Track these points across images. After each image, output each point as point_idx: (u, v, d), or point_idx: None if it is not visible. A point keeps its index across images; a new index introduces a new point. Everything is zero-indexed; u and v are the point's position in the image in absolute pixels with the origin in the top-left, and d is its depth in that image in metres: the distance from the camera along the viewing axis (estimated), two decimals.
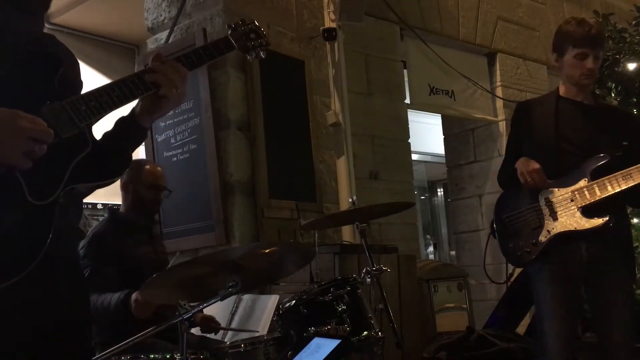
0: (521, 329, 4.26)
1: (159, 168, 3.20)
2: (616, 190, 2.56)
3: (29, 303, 1.44)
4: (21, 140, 1.28)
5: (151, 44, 4.57)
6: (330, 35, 4.25)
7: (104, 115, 1.49)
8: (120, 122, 1.62)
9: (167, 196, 3.16)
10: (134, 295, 2.64)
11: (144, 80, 1.55)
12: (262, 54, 1.87)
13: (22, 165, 1.30)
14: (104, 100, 1.47)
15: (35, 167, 1.33)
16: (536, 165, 2.62)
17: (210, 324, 2.97)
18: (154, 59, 1.60)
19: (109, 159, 1.52)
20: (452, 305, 4.29)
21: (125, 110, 1.61)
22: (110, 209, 3.14)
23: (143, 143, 4.26)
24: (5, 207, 1.33)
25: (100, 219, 5.44)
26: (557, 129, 2.71)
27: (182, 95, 1.61)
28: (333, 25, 4.28)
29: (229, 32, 1.81)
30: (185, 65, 1.65)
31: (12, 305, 1.39)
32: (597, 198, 2.58)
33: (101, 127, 1.67)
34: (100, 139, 1.58)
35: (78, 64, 1.64)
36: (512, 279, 3.32)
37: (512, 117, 3.01)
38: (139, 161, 3.26)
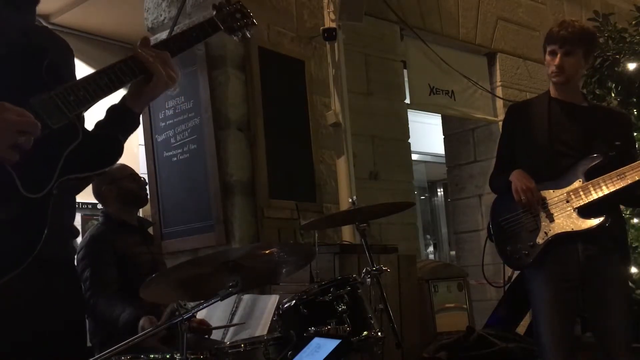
0: (521, 329, 4.26)
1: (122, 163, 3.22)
2: (611, 190, 2.56)
3: (25, 302, 1.43)
4: (7, 133, 1.28)
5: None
6: (330, 35, 4.25)
7: (93, 104, 1.49)
8: (112, 109, 1.61)
9: (146, 181, 3.18)
10: (142, 322, 2.64)
11: (131, 66, 1.54)
12: (248, 34, 1.87)
13: (10, 158, 1.29)
14: (92, 89, 1.46)
15: (27, 159, 1.32)
16: (531, 184, 2.63)
17: (201, 327, 2.97)
18: (139, 45, 1.60)
19: (101, 148, 1.51)
20: (452, 305, 4.28)
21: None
22: (104, 211, 3.13)
23: (143, 144, 4.28)
24: None
25: (100, 219, 5.45)
26: (550, 130, 2.72)
27: (170, 78, 1.60)
28: (333, 25, 4.28)
29: (214, 12, 1.81)
30: (173, 48, 1.64)
31: (7, 304, 1.39)
32: (593, 198, 2.58)
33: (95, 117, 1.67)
34: (93, 128, 1.58)
35: (72, 55, 1.64)
36: (512, 280, 3.33)
37: (503, 120, 3.02)
38: None
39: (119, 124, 1.59)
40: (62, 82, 1.47)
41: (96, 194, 3.09)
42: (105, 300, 2.73)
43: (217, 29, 1.78)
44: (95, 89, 1.47)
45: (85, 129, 1.49)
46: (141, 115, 1.65)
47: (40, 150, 1.35)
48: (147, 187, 3.25)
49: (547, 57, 2.74)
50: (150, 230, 3.43)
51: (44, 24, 5.25)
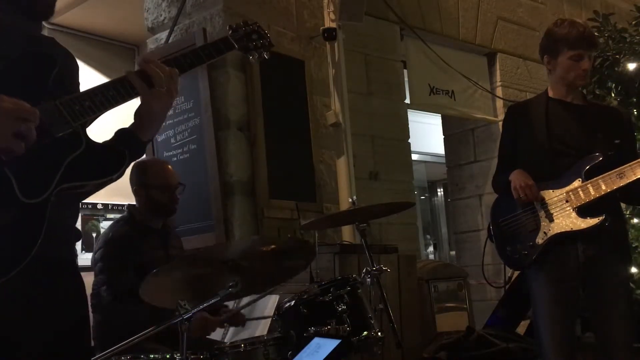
0: (521, 329, 4.26)
1: (168, 165, 3.08)
2: (610, 190, 2.56)
3: (28, 303, 1.44)
4: (6, 120, 1.29)
5: (151, 44, 4.57)
6: (330, 35, 4.25)
7: (99, 115, 1.49)
8: (120, 133, 1.61)
9: (181, 192, 3.01)
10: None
11: (139, 80, 1.54)
12: (265, 55, 1.86)
13: (16, 149, 1.30)
14: (98, 100, 1.47)
15: (27, 165, 1.33)
16: (530, 181, 2.64)
17: (238, 318, 2.91)
18: (147, 60, 1.59)
19: (103, 158, 1.51)
20: (452, 305, 4.29)
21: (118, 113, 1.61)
22: (129, 208, 3.01)
23: None
24: None
25: (100, 219, 5.43)
26: (549, 130, 2.72)
27: (172, 96, 1.60)
28: (333, 25, 4.28)
29: (230, 32, 1.80)
30: (184, 65, 1.64)
31: (10, 305, 1.39)
32: (592, 198, 2.58)
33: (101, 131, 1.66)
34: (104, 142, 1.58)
35: (77, 67, 1.64)
36: (512, 280, 3.33)
37: (503, 121, 3.02)
38: (145, 163, 3.09)
39: (124, 146, 1.57)
40: (68, 93, 1.47)
41: (132, 190, 3.00)
42: (126, 305, 2.64)
43: (231, 48, 1.77)
44: (101, 100, 1.47)
45: (90, 139, 1.49)
46: None
47: (42, 157, 1.36)
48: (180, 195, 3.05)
49: (568, 61, 2.69)
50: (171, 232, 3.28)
51: (45, 25, 5.25)
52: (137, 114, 1.60)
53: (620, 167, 2.56)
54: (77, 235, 1.63)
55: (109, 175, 1.52)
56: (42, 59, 1.48)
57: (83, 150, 1.44)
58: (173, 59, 1.64)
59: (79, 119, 1.44)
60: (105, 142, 1.60)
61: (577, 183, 2.63)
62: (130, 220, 2.96)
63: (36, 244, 1.34)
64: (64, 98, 1.43)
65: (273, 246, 2.29)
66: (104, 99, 1.48)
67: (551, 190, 2.67)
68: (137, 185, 2.95)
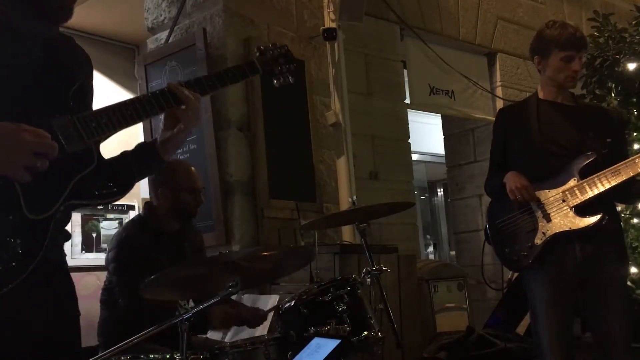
0: (521, 329, 4.26)
1: (192, 168, 3.03)
2: (606, 187, 2.56)
3: (20, 305, 1.43)
4: (23, 154, 1.27)
5: (151, 44, 4.57)
6: (330, 35, 4.25)
7: (114, 133, 1.48)
8: (141, 148, 1.60)
9: (205, 194, 2.99)
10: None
11: (159, 100, 1.53)
12: (290, 79, 1.85)
13: (22, 179, 1.28)
14: (115, 118, 1.45)
15: (36, 180, 1.31)
16: (525, 182, 2.64)
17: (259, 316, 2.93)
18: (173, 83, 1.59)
19: (113, 177, 1.50)
20: (452, 305, 4.29)
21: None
22: (146, 207, 2.96)
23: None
24: (0, 219, 1.32)
25: (100, 219, 5.43)
26: (541, 131, 2.73)
27: (197, 118, 1.59)
28: (333, 25, 4.28)
29: (257, 54, 1.78)
30: (206, 87, 1.63)
31: (2, 307, 1.39)
32: (589, 196, 2.58)
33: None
34: (118, 156, 1.57)
35: (92, 68, 1.63)
36: (512, 281, 3.32)
37: (493, 124, 3.03)
38: (173, 165, 3.02)
39: (142, 163, 1.57)
40: (86, 106, 1.45)
41: (151, 188, 2.95)
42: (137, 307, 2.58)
43: (255, 72, 1.76)
44: (118, 118, 1.46)
45: (102, 156, 1.48)
46: None
47: (52, 173, 1.34)
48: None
49: (559, 63, 2.73)
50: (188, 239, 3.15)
51: None
52: (168, 136, 1.58)
53: (615, 165, 2.57)
54: (66, 236, 1.62)
55: (115, 197, 1.51)
56: (64, 70, 1.46)
57: (93, 168, 1.43)
58: (194, 81, 1.62)
59: (94, 136, 1.42)
60: (125, 152, 1.58)
61: (572, 182, 2.63)
62: (145, 221, 2.93)
63: (37, 257, 1.33)
64: (81, 114, 1.41)
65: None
66: (121, 117, 1.46)
67: (547, 191, 2.67)
68: (164, 186, 2.89)
